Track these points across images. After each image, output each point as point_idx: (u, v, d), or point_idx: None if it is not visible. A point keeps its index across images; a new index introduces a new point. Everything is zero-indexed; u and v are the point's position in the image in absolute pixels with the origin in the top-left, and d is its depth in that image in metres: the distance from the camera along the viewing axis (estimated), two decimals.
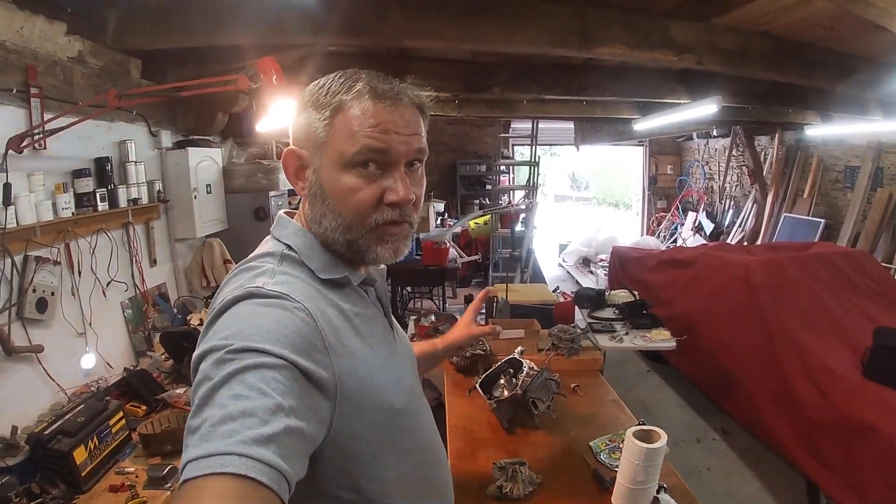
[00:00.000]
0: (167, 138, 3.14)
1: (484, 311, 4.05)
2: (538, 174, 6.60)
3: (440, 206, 7.28)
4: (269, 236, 0.83)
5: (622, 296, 3.38)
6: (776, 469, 2.94)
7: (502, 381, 1.94)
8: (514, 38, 2.44)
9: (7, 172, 1.90)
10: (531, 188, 6.60)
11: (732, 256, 3.59)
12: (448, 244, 5.25)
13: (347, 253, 0.78)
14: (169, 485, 1.72)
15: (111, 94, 2.01)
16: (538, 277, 6.39)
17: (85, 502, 1.66)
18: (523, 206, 6.59)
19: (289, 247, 0.78)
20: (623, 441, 1.38)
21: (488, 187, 8.66)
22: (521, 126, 8.02)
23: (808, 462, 2.45)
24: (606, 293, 3.46)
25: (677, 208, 8.90)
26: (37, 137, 2.03)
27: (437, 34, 2.40)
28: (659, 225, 9.08)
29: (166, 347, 2.59)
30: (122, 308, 2.65)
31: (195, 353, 0.63)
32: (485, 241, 6.70)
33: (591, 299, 3.35)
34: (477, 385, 1.98)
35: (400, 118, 0.74)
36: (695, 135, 8.42)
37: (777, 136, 6.58)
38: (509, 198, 8.43)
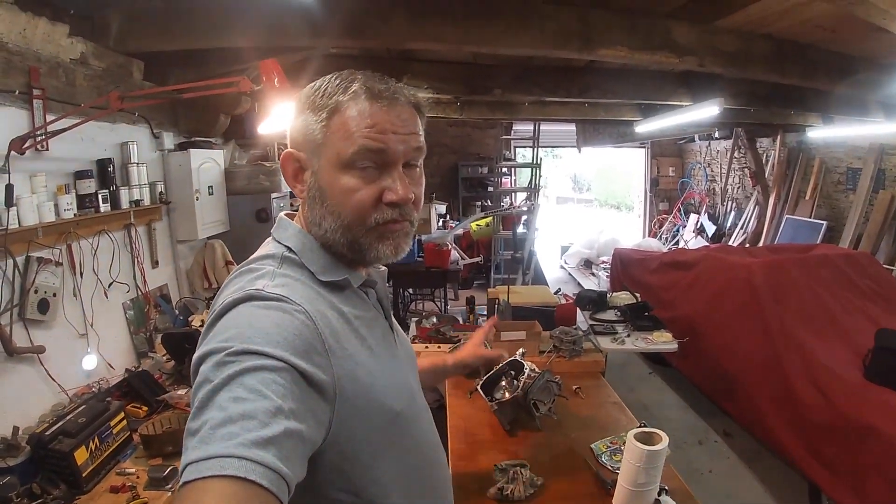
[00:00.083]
0: (169, 140, 3.14)
1: (485, 311, 4.06)
2: (540, 176, 6.60)
3: (442, 208, 7.28)
4: (270, 238, 0.83)
5: (624, 298, 3.37)
6: (778, 471, 2.93)
7: (504, 383, 1.94)
8: (515, 40, 2.44)
9: (9, 173, 1.90)
10: (533, 190, 6.60)
11: (734, 258, 3.59)
12: (450, 246, 5.24)
13: (349, 253, 0.78)
14: (170, 486, 1.72)
15: (113, 96, 2.02)
16: (540, 279, 6.39)
17: (86, 503, 1.66)
18: (525, 208, 6.59)
19: (289, 249, 0.78)
20: (624, 443, 1.38)
21: (490, 189, 8.67)
22: (523, 128, 8.03)
23: (810, 464, 2.45)
24: (608, 295, 3.46)
25: (679, 210, 8.89)
26: (39, 139, 2.03)
27: (440, 36, 2.41)
28: (661, 227, 9.07)
29: (168, 349, 2.59)
30: (123, 309, 2.66)
31: (195, 356, 0.63)
32: (487, 242, 6.70)
33: (593, 301, 3.35)
34: (478, 387, 1.98)
35: (397, 118, 0.74)
36: (696, 137, 8.41)
37: (779, 137, 6.57)
38: (511, 200, 8.43)
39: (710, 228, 7.93)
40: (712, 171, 8.46)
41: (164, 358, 2.66)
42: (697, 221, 8.21)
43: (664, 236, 8.81)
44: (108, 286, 2.51)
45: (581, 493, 1.51)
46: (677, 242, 8.37)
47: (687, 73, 3.79)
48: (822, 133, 5.52)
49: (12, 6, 1.88)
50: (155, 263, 2.95)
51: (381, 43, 2.84)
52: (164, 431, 1.97)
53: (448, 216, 7.61)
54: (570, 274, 8.18)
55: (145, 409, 2.17)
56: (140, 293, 2.78)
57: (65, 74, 2.20)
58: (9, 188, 1.89)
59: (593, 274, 7.70)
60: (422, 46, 3.08)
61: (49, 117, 2.05)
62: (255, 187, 3.70)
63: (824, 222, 5.72)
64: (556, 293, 4.88)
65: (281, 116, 2.29)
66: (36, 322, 2.04)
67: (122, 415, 1.93)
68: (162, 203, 2.95)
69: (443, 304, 5.34)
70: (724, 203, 7.98)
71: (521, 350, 2.05)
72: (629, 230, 10.22)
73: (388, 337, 0.86)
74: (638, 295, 3.39)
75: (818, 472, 2.40)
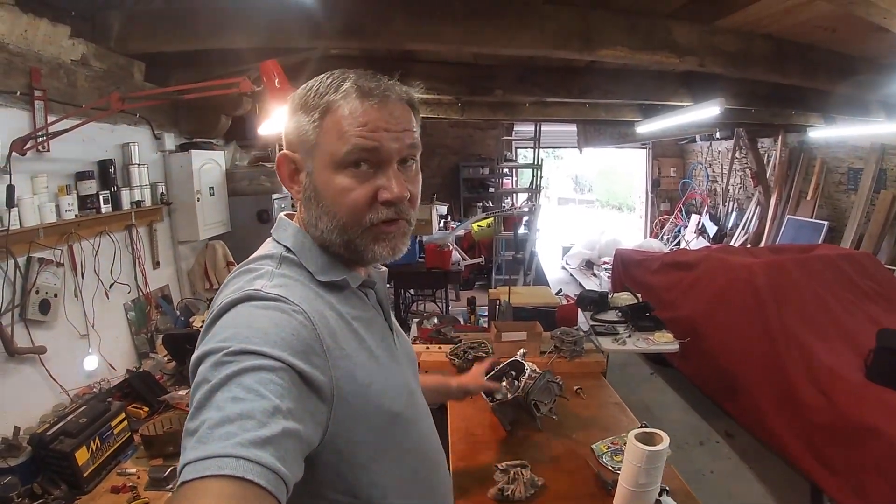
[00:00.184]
0: (170, 141, 3.15)
1: (486, 312, 4.07)
2: (541, 177, 6.60)
3: (443, 209, 7.28)
4: (270, 238, 0.83)
5: (625, 298, 3.37)
6: (779, 472, 2.92)
7: (504, 384, 1.94)
8: (515, 41, 2.44)
9: (11, 174, 1.91)
10: (534, 191, 6.60)
11: (736, 259, 3.59)
12: (451, 247, 5.25)
13: (346, 253, 0.78)
14: (170, 486, 1.72)
15: (114, 97, 2.02)
16: (541, 280, 6.39)
17: (86, 503, 1.66)
18: (526, 209, 6.59)
19: (288, 249, 0.78)
20: (625, 444, 1.38)
21: (491, 190, 8.67)
22: (524, 129, 8.02)
23: (811, 464, 2.45)
24: (609, 296, 3.46)
25: (680, 211, 8.88)
26: (40, 140, 2.04)
27: (440, 37, 2.41)
28: (662, 227, 9.06)
29: (169, 349, 2.60)
30: (124, 310, 2.66)
31: (194, 356, 0.63)
32: (488, 243, 6.70)
33: (594, 302, 3.34)
34: None
35: (389, 115, 0.74)
36: (698, 137, 8.41)
37: (780, 138, 6.57)
38: (512, 200, 8.43)
39: (712, 229, 7.91)
40: (713, 171, 8.45)
41: (166, 358, 2.66)
42: (699, 222, 8.20)
43: (665, 237, 8.80)
44: (110, 287, 2.51)
45: (582, 493, 1.51)
46: (679, 243, 8.36)
47: (687, 74, 3.79)
48: (824, 133, 5.51)
49: (14, 7, 1.88)
50: (156, 264, 2.95)
51: (382, 44, 2.84)
52: (165, 432, 1.97)
53: (449, 217, 7.61)
54: (571, 275, 8.17)
55: (146, 409, 2.17)
56: (141, 294, 2.78)
57: (66, 75, 2.21)
58: (10, 189, 1.89)
59: (595, 274, 7.69)
60: (422, 47, 3.09)
61: (50, 118, 2.06)
62: (256, 188, 3.71)
63: (826, 222, 5.71)
64: (557, 294, 4.89)
65: (282, 117, 2.30)
66: (37, 322, 2.05)
67: (123, 415, 1.93)
68: (163, 204, 2.96)
69: (444, 304, 5.34)
70: (726, 203, 7.97)
71: (522, 350, 2.05)
72: (630, 231, 10.20)
73: (388, 338, 0.85)
74: (639, 295, 3.38)
75: (819, 472, 2.40)
